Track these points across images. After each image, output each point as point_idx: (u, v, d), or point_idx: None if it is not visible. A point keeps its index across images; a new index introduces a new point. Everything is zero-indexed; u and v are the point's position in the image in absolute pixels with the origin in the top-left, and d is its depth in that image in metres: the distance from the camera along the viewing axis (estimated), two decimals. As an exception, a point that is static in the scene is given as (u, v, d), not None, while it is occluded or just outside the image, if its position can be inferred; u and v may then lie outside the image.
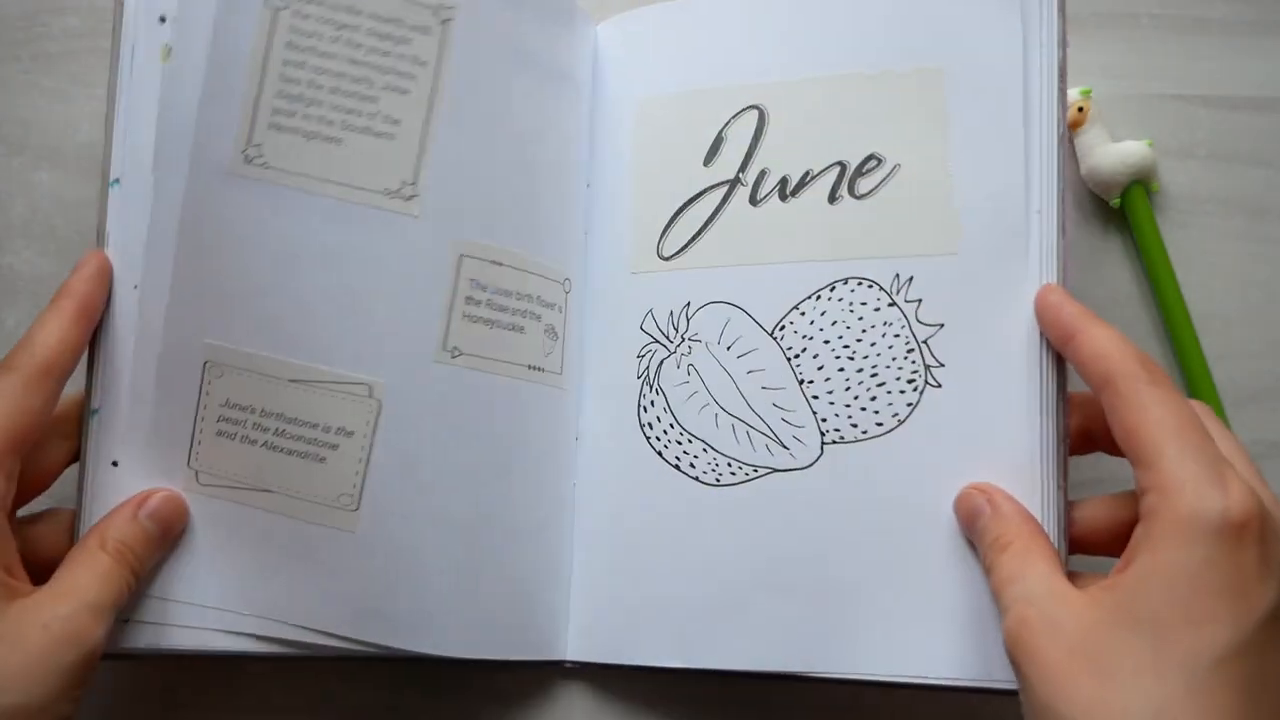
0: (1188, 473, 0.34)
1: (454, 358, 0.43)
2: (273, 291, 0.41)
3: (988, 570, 0.39)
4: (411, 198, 0.42)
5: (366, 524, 0.42)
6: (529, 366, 0.45)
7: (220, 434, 0.42)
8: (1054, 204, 0.42)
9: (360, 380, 0.42)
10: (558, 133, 0.47)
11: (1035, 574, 0.37)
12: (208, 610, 0.42)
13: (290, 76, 0.41)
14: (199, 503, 0.42)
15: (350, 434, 0.42)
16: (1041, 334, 0.41)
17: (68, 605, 0.37)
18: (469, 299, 0.43)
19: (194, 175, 0.41)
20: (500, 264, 0.44)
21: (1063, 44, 0.43)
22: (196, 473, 0.42)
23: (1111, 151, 0.48)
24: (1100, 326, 0.39)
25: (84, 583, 0.38)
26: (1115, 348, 0.37)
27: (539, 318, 0.45)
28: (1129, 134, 0.49)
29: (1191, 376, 0.48)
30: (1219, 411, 0.47)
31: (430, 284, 0.43)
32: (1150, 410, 0.36)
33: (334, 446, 0.42)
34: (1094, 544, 0.41)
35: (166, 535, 0.41)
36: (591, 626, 0.45)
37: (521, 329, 0.44)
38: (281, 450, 0.42)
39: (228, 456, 0.42)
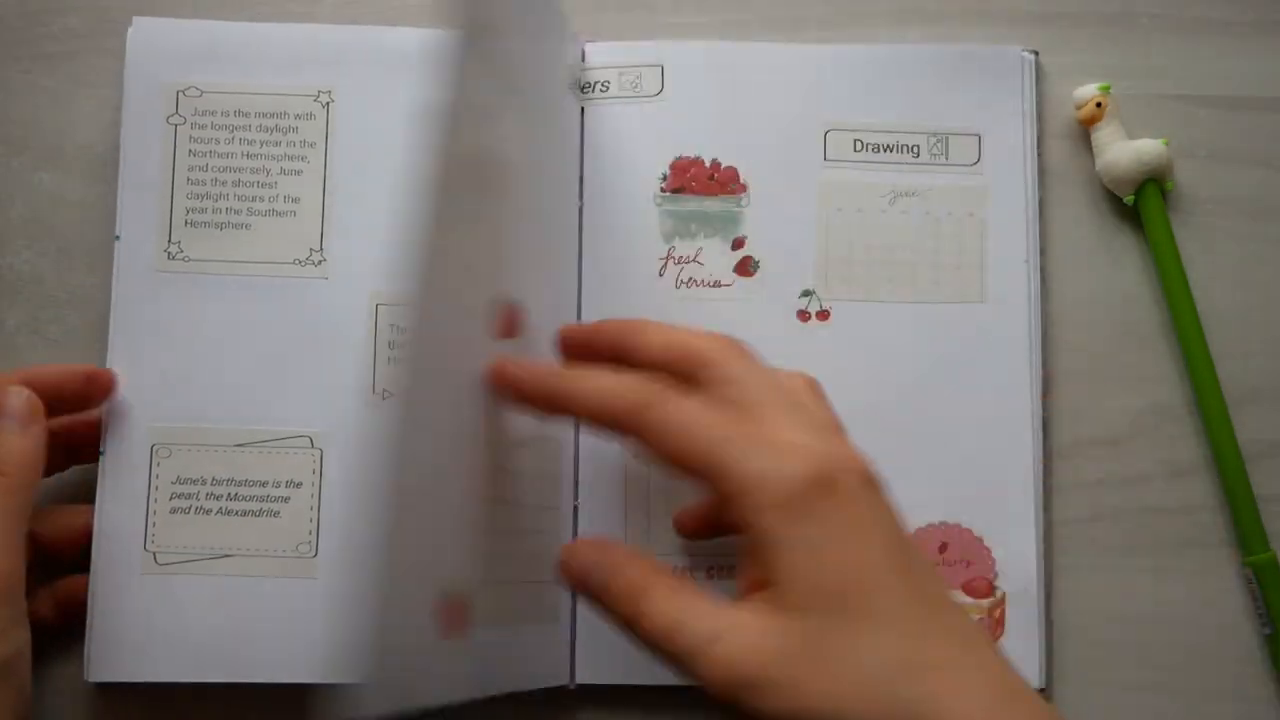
0: (754, 466, 0.33)
1: (384, 399, 0.46)
2: (208, 366, 0.45)
3: (629, 623, 0.34)
4: (321, 262, 0.46)
5: (327, 568, 0.44)
6: None
7: (174, 511, 0.44)
8: (1037, 256, 0.48)
9: (300, 433, 0.45)
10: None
11: (697, 613, 0.33)
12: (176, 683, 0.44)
13: (196, 179, 0.47)
14: (158, 584, 0.44)
15: (299, 485, 0.45)
16: (1032, 377, 0.47)
17: None
18: (391, 343, 0.46)
19: (124, 276, 0.46)
20: None
21: (1037, 120, 0.49)
22: (154, 554, 0.44)
23: (1128, 149, 0.48)
24: (595, 376, 0.37)
25: None
26: (618, 383, 0.36)
27: None
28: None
29: (1197, 377, 0.47)
30: (1221, 411, 0.47)
31: (351, 335, 0.46)
32: (692, 421, 0.34)
33: (285, 500, 0.45)
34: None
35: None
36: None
37: None
38: (236, 514, 0.45)
39: (184, 531, 0.44)
